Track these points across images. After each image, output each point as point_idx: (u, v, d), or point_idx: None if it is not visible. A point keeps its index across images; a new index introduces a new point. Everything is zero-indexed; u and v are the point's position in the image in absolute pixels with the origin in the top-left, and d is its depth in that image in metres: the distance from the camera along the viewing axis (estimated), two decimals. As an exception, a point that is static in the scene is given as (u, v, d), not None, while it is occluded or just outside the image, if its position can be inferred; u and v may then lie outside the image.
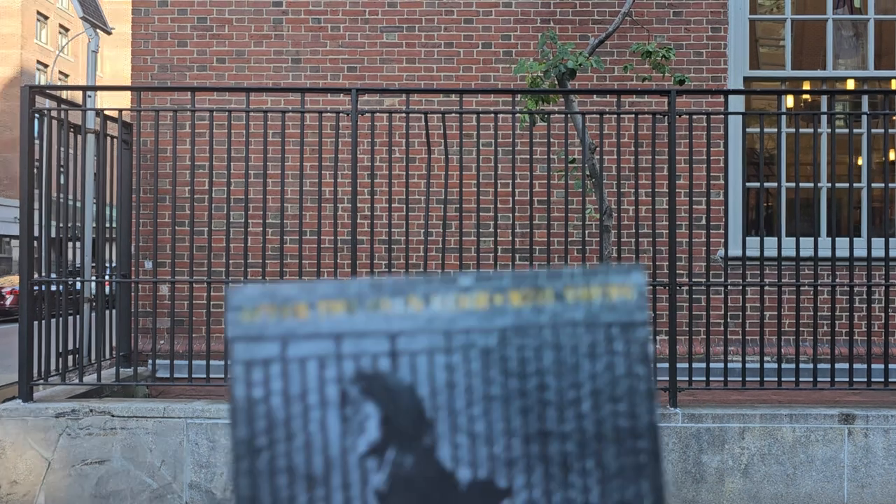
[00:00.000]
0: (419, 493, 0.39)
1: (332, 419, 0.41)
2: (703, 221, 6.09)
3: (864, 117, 5.32)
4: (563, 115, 5.24)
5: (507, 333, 0.42)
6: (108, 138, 5.33)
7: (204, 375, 4.86)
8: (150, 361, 5.62)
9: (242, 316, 0.43)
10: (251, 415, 0.41)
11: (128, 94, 5.16)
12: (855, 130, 6.10)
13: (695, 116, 5.22)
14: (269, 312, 0.42)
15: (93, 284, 5.49)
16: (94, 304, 5.49)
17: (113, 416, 4.42)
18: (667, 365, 4.67)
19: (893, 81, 6.51)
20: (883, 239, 5.30)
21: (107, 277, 5.44)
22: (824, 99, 6.26)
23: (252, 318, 0.43)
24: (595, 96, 6.08)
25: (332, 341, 0.42)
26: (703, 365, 4.87)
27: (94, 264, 5.67)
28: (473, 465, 0.41)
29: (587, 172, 5.08)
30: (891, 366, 4.81)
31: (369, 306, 0.42)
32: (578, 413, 0.42)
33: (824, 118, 6.07)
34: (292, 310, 0.42)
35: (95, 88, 5.08)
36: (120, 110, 4.99)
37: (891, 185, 6.01)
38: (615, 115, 5.13)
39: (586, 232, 5.18)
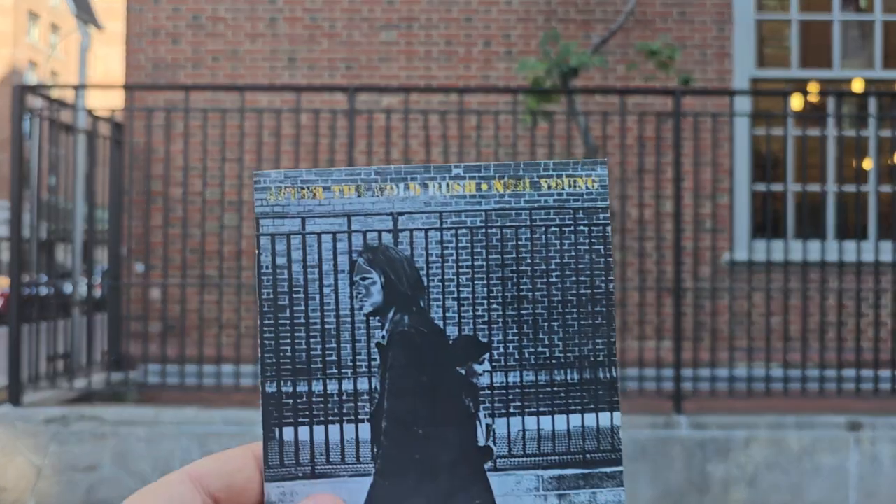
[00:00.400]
0: (414, 345, 0.50)
1: (343, 285, 0.51)
2: (709, 225, 6.00)
3: (871, 119, 5.24)
4: (566, 116, 5.13)
5: (490, 215, 0.51)
6: (100, 138, 5.22)
7: (196, 381, 4.75)
8: (141, 366, 5.50)
9: (268, 196, 0.51)
10: (275, 280, 0.51)
11: (119, 94, 5.05)
12: (862, 132, 6.01)
13: (700, 117, 5.12)
14: (291, 193, 0.51)
15: (83, 288, 5.37)
16: (84, 307, 5.37)
17: (104, 422, 4.33)
18: (671, 372, 4.58)
19: (899, 83, 6.45)
20: (891, 242, 5.22)
21: (97, 281, 5.32)
22: (831, 100, 6.19)
23: (276, 197, 0.51)
24: (598, 96, 5.98)
25: (344, 219, 0.51)
26: (709, 372, 4.78)
27: (84, 267, 5.56)
28: (459, 324, 0.51)
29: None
30: (899, 372, 4.73)
31: (376, 190, 0.51)
32: (548, 282, 0.51)
33: (831, 120, 5.98)
34: (311, 191, 0.51)
35: (87, 87, 4.97)
36: (112, 110, 4.87)
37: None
38: (619, 116, 5.04)
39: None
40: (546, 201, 0.52)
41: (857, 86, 6.47)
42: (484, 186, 0.52)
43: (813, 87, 6.49)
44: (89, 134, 5.13)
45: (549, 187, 0.52)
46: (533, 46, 6.27)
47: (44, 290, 5.01)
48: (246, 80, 6.31)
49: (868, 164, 6.13)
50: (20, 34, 39.45)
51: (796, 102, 7.21)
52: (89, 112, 5.11)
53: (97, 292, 5.60)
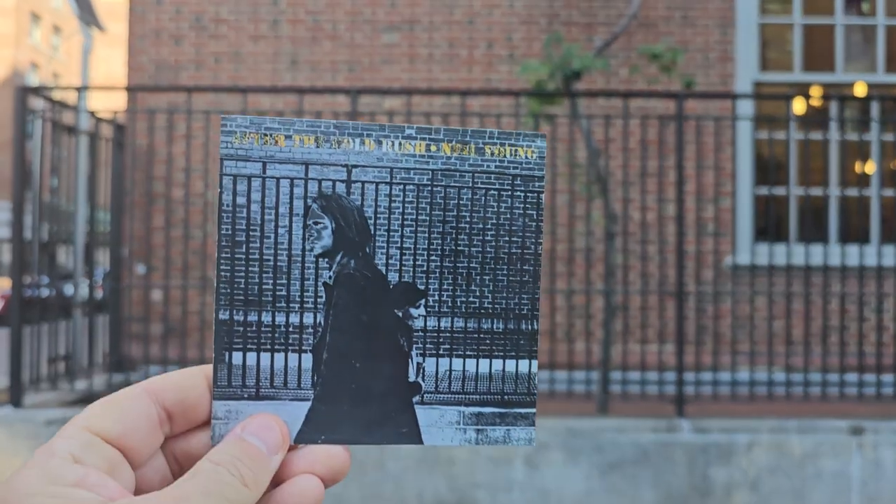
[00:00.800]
0: (358, 286, 0.54)
1: (297, 227, 0.55)
2: (711, 228, 5.99)
3: (874, 123, 5.23)
4: (569, 119, 5.13)
5: (437, 174, 0.55)
6: (102, 140, 5.21)
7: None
8: (142, 368, 5.49)
9: (233, 139, 0.54)
10: (234, 218, 0.54)
11: (121, 95, 5.04)
12: (865, 136, 6.01)
13: (703, 121, 5.12)
14: (255, 138, 0.54)
15: (84, 289, 5.37)
16: (85, 309, 5.36)
17: (104, 425, 4.31)
18: (674, 376, 4.57)
19: (902, 87, 6.44)
20: (894, 246, 5.21)
21: (99, 282, 5.32)
22: (834, 104, 6.18)
23: (241, 141, 0.54)
24: (601, 99, 5.98)
25: (302, 167, 0.55)
26: (711, 376, 4.77)
27: (85, 269, 5.55)
28: (400, 271, 0.55)
29: (592, 177, 4.97)
30: (901, 377, 4.72)
31: (333, 142, 0.55)
32: (483, 240, 0.56)
33: (834, 124, 5.98)
34: (273, 138, 0.54)
35: (89, 89, 4.96)
36: (114, 111, 4.87)
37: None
38: (622, 119, 5.03)
39: (591, 238, 5.07)
40: (488, 166, 0.56)
41: (860, 90, 6.47)
42: (433, 148, 0.55)
43: (815, 91, 6.49)
44: (91, 135, 5.13)
45: (492, 154, 0.56)
46: (535, 49, 6.27)
47: (45, 292, 5.01)
48: (248, 81, 6.30)
49: (871, 167, 6.12)
50: (22, 36, 39.48)
51: (799, 106, 7.21)
52: (91, 114, 5.10)
53: (98, 294, 5.59)
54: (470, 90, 5.11)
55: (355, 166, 0.55)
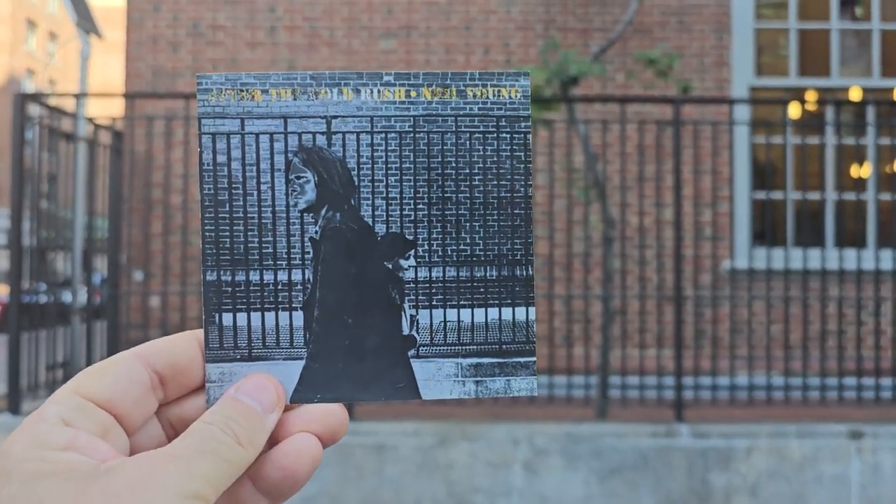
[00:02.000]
0: (345, 240, 0.53)
1: (279, 183, 0.53)
2: (709, 233, 6.00)
3: (870, 127, 5.25)
4: (566, 124, 5.14)
5: (419, 120, 0.54)
6: (100, 147, 5.21)
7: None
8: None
9: (209, 97, 0.53)
10: (215, 176, 0.53)
11: (118, 102, 5.04)
12: (861, 141, 6.03)
13: (699, 125, 5.13)
14: (231, 95, 0.53)
15: (82, 296, 5.36)
16: (83, 315, 5.35)
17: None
18: (672, 380, 4.58)
19: (897, 91, 6.47)
20: (891, 251, 5.22)
21: (97, 288, 5.31)
22: (830, 108, 6.20)
23: (217, 98, 0.53)
24: (598, 104, 6.00)
25: (281, 121, 0.53)
26: (710, 380, 4.78)
27: (83, 275, 5.54)
28: (387, 222, 0.54)
29: (590, 182, 4.98)
30: (899, 381, 4.73)
31: (311, 94, 0.54)
32: (471, 185, 0.54)
33: (830, 128, 6.00)
34: (250, 94, 0.53)
35: (87, 95, 4.96)
36: (112, 118, 4.87)
37: (897, 196, 5.93)
38: (619, 124, 5.04)
39: (589, 243, 5.08)
40: (471, 109, 0.55)
41: (856, 94, 6.49)
42: (413, 93, 0.54)
43: (811, 96, 6.51)
44: (89, 142, 5.13)
45: (475, 96, 0.54)
46: (532, 55, 6.29)
47: (43, 299, 5.00)
48: (245, 88, 6.31)
49: (867, 171, 6.14)
50: (18, 42, 39.48)
51: (795, 111, 7.23)
52: (89, 120, 5.10)
53: (96, 300, 5.58)
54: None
55: (335, 117, 0.54)
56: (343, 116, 0.54)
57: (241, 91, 0.53)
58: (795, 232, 6.14)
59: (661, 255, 4.74)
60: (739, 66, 6.28)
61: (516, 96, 0.55)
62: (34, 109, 4.75)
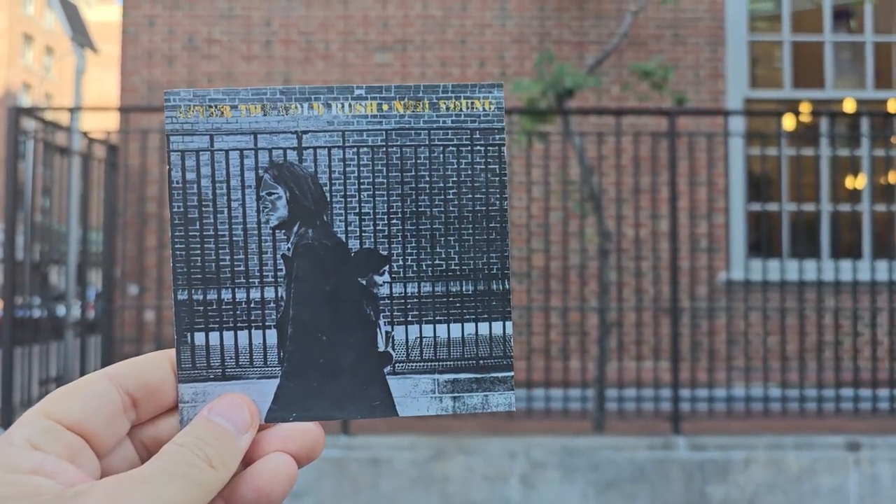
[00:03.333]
0: (318, 256, 0.52)
1: (250, 199, 0.53)
2: (705, 244, 6.00)
3: (864, 138, 5.27)
4: (561, 136, 5.15)
5: (391, 134, 0.54)
6: (95, 161, 5.20)
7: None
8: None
9: (178, 114, 0.53)
10: (185, 194, 0.52)
11: (113, 116, 5.04)
12: (855, 152, 6.05)
13: (695, 137, 5.14)
14: (200, 111, 0.53)
15: (76, 310, 5.33)
16: (77, 330, 5.33)
17: (96, 447, 4.28)
18: (669, 392, 4.56)
19: (891, 101, 6.49)
20: (886, 261, 5.23)
21: (91, 302, 5.29)
22: (824, 120, 6.22)
23: (186, 115, 0.53)
24: (593, 117, 6.01)
25: (251, 136, 0.53)
26: (706, 392, 4.76)
27: (78, 289, 5.52)
28: (361, 238, 0.53)
29: (586, 194, 4.98)
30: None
31: (281, 109, 0.53)
32: (445, 199, 0.54)
33: (825, 140, 6.02)
34: (219, 110, 0.53)
35: (82, 109, 4.96)
36: (107, 132, 4.86)
37: (893, 207, 5.95)
38: (614, 136, 5.05)
39: (585, 255, 5.07)
40: (444, 122, 0.54)
41: (850, 106, 6.52)
42: (385, 107, 0.54)
43: (805, 108, 6.54)
44: (84, 156, 5.12)
45: (448, 109, 0.54)
46: (527, 67, 6.30)
47: (37, 313, 4.97)
48: (241, 101, 6.31)
49: (861, 183, 6.16)
50: (14, 56, 39.54)
51: (789, 123, 7.26)
52: (84, 134, 5.10)
53: (90, 314, 5.56)
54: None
55: (305, 132, 0.53)
56: (314, 131, 0.53)
57: (210, 107, 0.53)
58: (791, 243, 6.15)
59: (658, 266, 4.74)
60: (734, 78, 6.31)
61: (490, 108, 0.54)
62: (29, 123, 4.74)
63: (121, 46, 6.44)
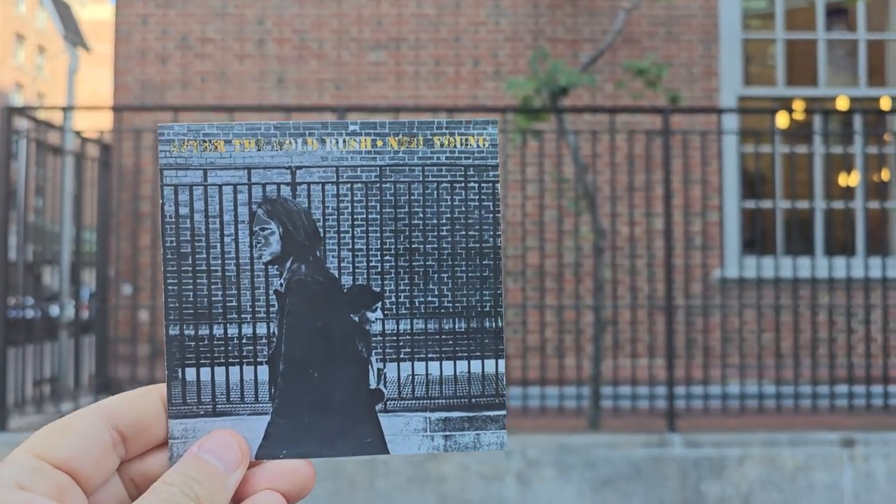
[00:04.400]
0: (310, 292, 0.52)
1: (243, 235, 0.53)
2: (699, 242, 6.01)
3: (858, 135, 5.29)
4: (556, 134, 5.15)
5: (385, 170, 0.54)
6: (88, 160, 5.18)
7: (186, 404, 4.69)
8: (129, 390, 5.43)
9: (171, 148, 0.53)
10: (178, 229, 0.52)
11: (106, 115, 5.02)
12: (848, 149, 6.07)
13: (689, 135, 5.15)
14: (194, 146, 0.53)
15: (70, 310, 5.32)
16: (71, 330, 5.31)
17: (90, 448, 4.26)
18: (664, 390, 4.57)
19: (884, 99, 6.50)
20: (880, 258, 5.25)
21: (85, 303, 5.27)
22: (817, 117, 6.24)
23: (179, 150, 0.53)
24: (587, 115, 6.01)
25: (244, 172, 0.53)
26: (701, 389, 4.77)
27: (71, 289, 5.50)
28: (354, 274, 0.53)
29: (580, 192, 4.98)
30: (890, 388, 4.74)
31: (275, 144, 0.53)
32: (438, 236, 0.54)
33: (818, 137, 6.03)
34: (213, 144, 0.53)
35: (75, 109, 4.94)
36: (100, 131, 4.85)
37: (886, 204, 5.97)
38: (608, 134, 5.06)
39: (580, 253, 5.08)
40: (438, 158, 0.54)
41: (843, 103, 6.54)
42: (379, 143, 0.54)
43: (799, 105, 6.55)
44: (77, 155, 5.10)
45: (442, 145, 0.54)
46: (521, 65, 6.30)
47: (30, 313, 4.96)
48: (234, 100, 6.29)
49: (855, 180, 6.17)
50: (7, 56, 39.37)
51: (783, 120, 7.27)
52: (77, 133, 5.07)
53: (84, 314, 5.54)
54: (457, 107, 5.12)
55: (299, 167, 0.53)
56: (308, 167, 0.53)
57: (204, 142, 0.53)
58: (785, 240, 6.16)
59: (652, 264, 4.75)
60: (727, 75, 6.32)
61: (484, 145, 0.54)
62: (22, 123, 4.72)
63: (114, 45, 6.42)
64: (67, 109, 5.00)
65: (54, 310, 5.52)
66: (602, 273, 4.92)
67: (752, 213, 6.25)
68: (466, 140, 0.54)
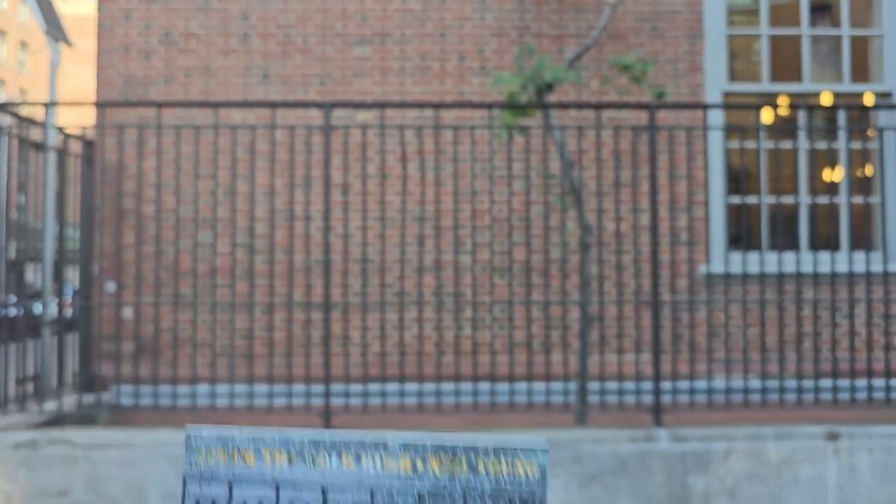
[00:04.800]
0: None
1: None
2: (685, 238, 6.03)
3: (842, 131, 5.32)
4: (542, 130, 5.14)
5: (424, 498, 0.50)
6: (71, 156, 5.13)
7: (170, 402, 4.67)
8: (113, 387, 5.40)
9: (197, 457, 0.50)
10: None
11: (89, 111, 4.97)
12: (833, 145, 6.10)
13: (674, 131, 5.16)
14: (221, 456, 0.50)
15: (53, 308, 5.27)
16: (54, 328, 5.26)
17: (75, 445, 4.23)
18: (650, 385, 4.58)
19: (868, 95, 6.54)
20: (864, 253, 5.28)
21: (68, 300, 5.23)
22: (802, 113, 6.27)
23: (206, 460, 0.50)
24: (573, 110, 6.01)
25: (273, 488, 0.49)
26: (687, 384, 4.79)
27: (55, 287, 5.45)
28: None
29: (566, 188, 4.99)
30: (874, 381, 4.78)
31: (307, 460, 0.50)
32: None
33: (802, 133, 6.06)
34: (241, 455, 0.50)
35: (57, 104, 4.89)
36: (83, 127, 4.80)
37: (869, 199, 6.01)
38: (594, 130, 5.06)
39: (566, 249, 5.08)
40: (483, 487, 0.51)
41: (827, 99, 6.57)
42: (419, 465, 0.50)
43: (783, 101, 6.58)
44: (59, 152, 5.05)
45: (487, 471, 0.51)
46: (507, 61, 6.29)
47: (13, 311, 4.91)
48: (219, 96, 6.25)
49: (839, 175, 6.21)
50: (-13, 51, 38.92)
51: (768, 116, 7.30)
52: (59, 129, 5.02)
53: (68, 312, 5.49)
54: (443, 103, 5.11)
55: (332, 487, 0.50)
56: (341, 488, 0.50)
57: (233, 452, 0.51)
58: (770, 236, 6.20)
59: (638, 260, 4.76)
60: (712, 71, 6.33)
61: (533, 474, 0.51)
62: (4, 119, 4.67)
63: (96, 40, 6.36)
64: (50, 105, 4.94)
65: (37, 307, 5.47)
66: (588, 269, 4.92)
67: (738, 208, 6.28)
68: (513, 466, 0.51)
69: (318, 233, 5.69)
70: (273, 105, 4.77)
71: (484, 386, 4.74)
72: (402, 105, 5.73)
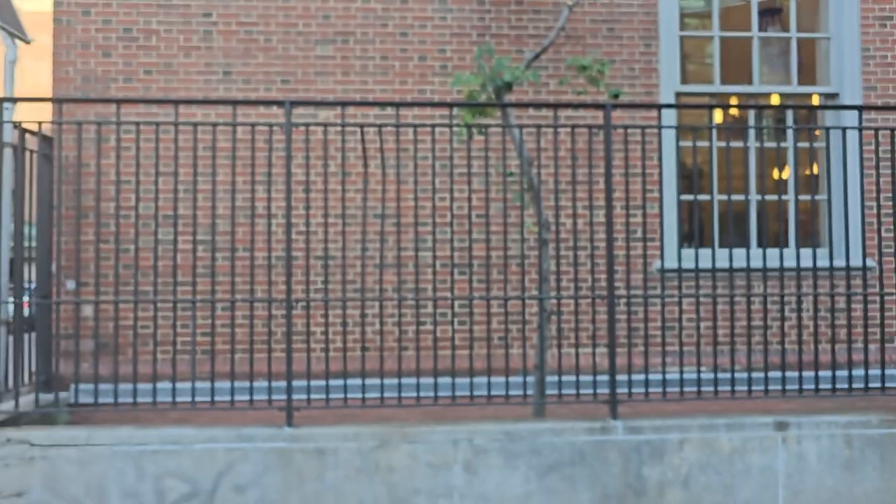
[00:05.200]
0: None
1: None
2: (640, 234, 6.17)
3: (790, 131, 5.49)
4: (501, 129, 5.23)
5: None
6: (28, 153, 5.08)
7: (130, 400, 4.65)
8: (72, 386, 5.35)
9: None
10: None
11: (48, 106, 4.94)
12: (781, 144, 6.29)
13: (629, 130, 5.28)
14: None
15: (10, 306, 5.21)
16: (11, 327, 5.20)
17: (32, 445, 4.20)
18: (607, 377, 4.69)
19: (815, 96, 6.75)
20: (810, 249, 5.46)
21: (26, 299, 5.17)
22: (752, 113, 6.45)
23: None
24: (532, 110, 6.11)
25: None
26: (642, 376, 4.91)
27: (11, 285, 5.38)
28: None
29: (525, 186, 5.08)
30: (821, 373, 4.94)
31: None
32: None
33: (752, 132, 6.24)
34: None
35: (13, 100, 4.85)
36: (40, 123, 4.76)
37: (816, 197, 6.20)
38: (552, 129, 5.16)
39: (525, 245, 5.18)
40: None
41: (776, 100, 6.77)
42: None
43: (734, 101, 6.77)
44: (15, 148, 4.99)
45: None
46: (467, 61, 6.37)
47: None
48: (180, 93, 6.23)
49: (787, 173, 6.41)
50: (-61, 48, 37.98)
51: (719, 116, 7.48)
52: (16, 125, 4.97)
53: (25, 311, 5.43)
54: (404, 102, 5.17)
55: None
56: None
57: None
58: (721, 232, 6.37)
59: (595, 256, 4.87)
60: (667, 72, 6.48)
61: None
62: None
63: (53, 36, 6.30)
64: (4, 101, 4.89)
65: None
66: (546, 265, 5.02)
67: (690, 205, 6.44)
68: None
69: (280, 230, 5.71)
70: (234, 103, 4.78)
71: (444, 380, 4.81)
72: (364, 104, 5.78)
